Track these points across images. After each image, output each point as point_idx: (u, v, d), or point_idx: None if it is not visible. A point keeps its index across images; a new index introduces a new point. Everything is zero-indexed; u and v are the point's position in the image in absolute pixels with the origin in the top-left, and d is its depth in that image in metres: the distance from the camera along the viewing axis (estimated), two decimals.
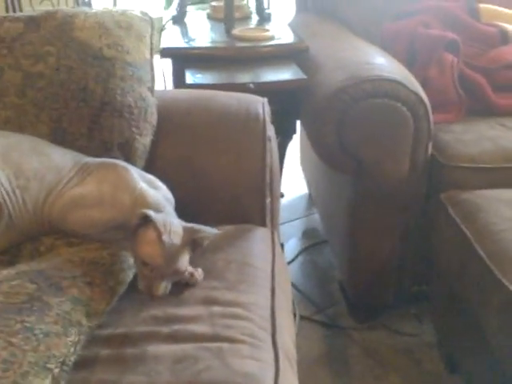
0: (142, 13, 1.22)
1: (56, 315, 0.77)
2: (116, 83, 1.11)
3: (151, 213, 0.87)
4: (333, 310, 1.73)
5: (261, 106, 1.21)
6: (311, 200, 2.24)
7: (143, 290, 0.89)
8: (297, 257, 1.96)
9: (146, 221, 0.87)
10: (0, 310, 0.74)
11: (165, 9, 3.71)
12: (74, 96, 1.08)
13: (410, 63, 1.60)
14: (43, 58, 1.09)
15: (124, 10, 1.21)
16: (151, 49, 1.19)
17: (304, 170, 2.24)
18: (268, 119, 1.19)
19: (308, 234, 2.11)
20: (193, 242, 0.92)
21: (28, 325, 0.74)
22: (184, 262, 0.90)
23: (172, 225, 0.89)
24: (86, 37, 1.12)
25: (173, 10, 2.13)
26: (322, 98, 1.41)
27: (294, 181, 2.40)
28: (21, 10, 2.61)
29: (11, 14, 1.16)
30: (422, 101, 1.38)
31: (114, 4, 2.99)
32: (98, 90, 1.09)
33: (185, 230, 0.91)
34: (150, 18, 1.22)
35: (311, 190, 2.17)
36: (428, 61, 1.62)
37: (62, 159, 0.99)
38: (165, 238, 0.85)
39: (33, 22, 1.12)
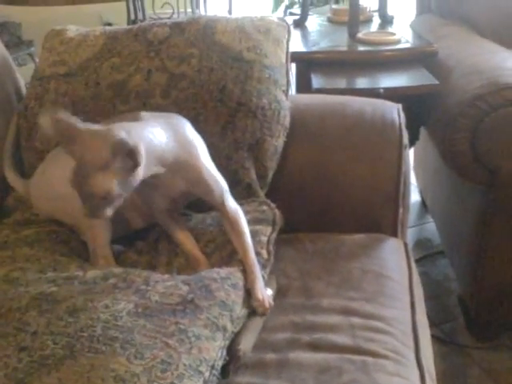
0: (279, 18, 1.23)
1: (206, 319, 0.78)
2: (253, 85, 1.12)
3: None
4: (449, 326, 1.65)
5: (396, 112, 1.18)
6: (424, 208, 2.16)
7: None
8: None
9: None
10: (156, 310, 0.77)
11: (272, 11, 3.74)
12: (213, 96, 1.11)
13: None
14: (186, 60, 1.13)
15: (262, 15, 1.22)
16: (287, 53, 1.20)
17: (418, 176, 2.16)
18: (404, 126, 1.16)
19: (421, 244, 2.03)
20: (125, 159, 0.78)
21: (182, 327, 0.75)
22: (104, 187, 0.78)
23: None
24: (227, 40, 1.14)
25: (280, 13, 2.12)
26: (456, 104, 1.35)
27: None
28: (143, 14, 2.72)
29: (157, 20, 1.20)
30: None
31: (230, 6, 3.05)
32: (236, 91, 1.11)
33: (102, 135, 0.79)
34: (287, 23, 1.23)
35: (426, 198, 2.09)
36: None
37: None
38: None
39: (178, 27, 1.17)
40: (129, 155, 0.78)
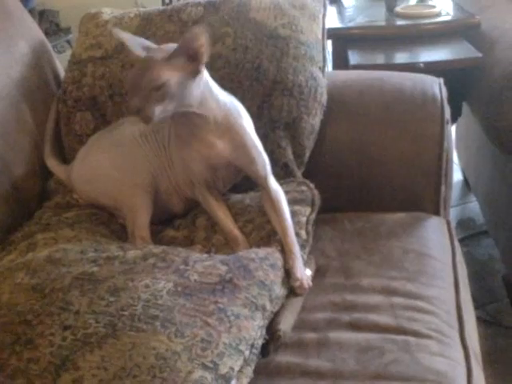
0: None
1: (245, 298, 0.78)
2: (289, 62, 1.10)
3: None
4: (494, 307, 1.61)
5: (437, 86, 1.14)
6: (467, 187, 2.10)
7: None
8: None
9: None
10: (195, 289, 0.77)
11: None
12: (248, 75, 1.10)
13: None
14: (221, 39, 1.12)
15: None
16: (323, 29, 1.17)
17: (460, 154, 2.10)
18: (445, 101, 1.12)
19: (464, 223, 1.98)
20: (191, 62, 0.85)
21: (221, 306, 0.75)
22: (163, 76, 0.82)
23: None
24: (261, 17, 1.13)
25: None
26: (500, 77, 1.30)
27: None
28: None
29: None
30: None
31: None
32: (271, 69, 1.09)
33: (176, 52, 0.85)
34: None
35: (468, 177, 2.03)
36: None
37: None
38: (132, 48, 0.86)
39: (212, 5, 1.15)
40: (193, 56, 0.84)
